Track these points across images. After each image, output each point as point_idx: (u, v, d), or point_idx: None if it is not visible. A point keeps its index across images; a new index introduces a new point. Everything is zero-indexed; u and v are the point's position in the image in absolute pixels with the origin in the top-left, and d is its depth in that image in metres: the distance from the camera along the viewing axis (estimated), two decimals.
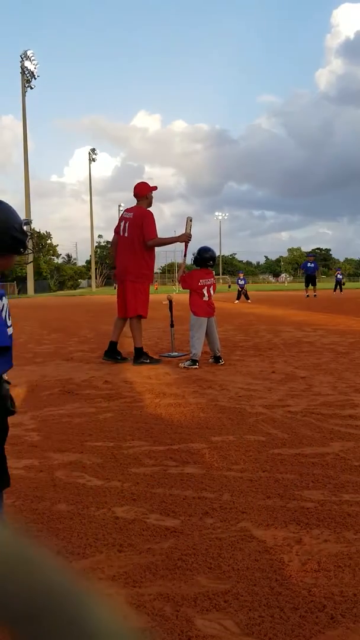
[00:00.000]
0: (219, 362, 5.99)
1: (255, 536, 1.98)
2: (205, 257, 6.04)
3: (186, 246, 6.29)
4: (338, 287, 30.01)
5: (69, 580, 0.31)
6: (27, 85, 47.99)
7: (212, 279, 6.14)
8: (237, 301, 21.31)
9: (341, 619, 1.49)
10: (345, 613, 1.52)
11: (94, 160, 67.66)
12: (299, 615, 1.51)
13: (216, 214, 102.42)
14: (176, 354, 6.71)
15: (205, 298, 5.94)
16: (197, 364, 5.84)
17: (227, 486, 2.46)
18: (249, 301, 21.10)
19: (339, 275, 30.90)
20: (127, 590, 1.65)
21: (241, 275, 23.17)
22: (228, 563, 1.79)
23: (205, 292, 5.94)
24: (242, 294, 21.81)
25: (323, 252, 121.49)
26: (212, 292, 6.04)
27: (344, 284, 30.48)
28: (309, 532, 2.01)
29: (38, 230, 70.62)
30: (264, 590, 1.63)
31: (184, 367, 5.81)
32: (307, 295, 23.36)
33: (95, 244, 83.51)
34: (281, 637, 1.42)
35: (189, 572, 1.74)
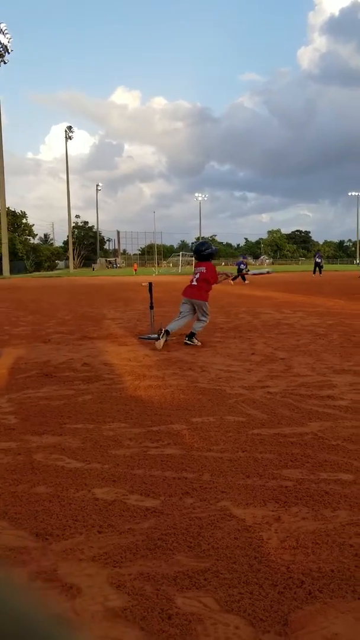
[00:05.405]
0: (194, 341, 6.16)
1: (234, 515, 2.00)
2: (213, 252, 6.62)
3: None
4: (317, 269, 30.24)
5: (39, 606, 0.29)
6: (0, 59, 46.25)
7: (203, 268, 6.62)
8: (232, 282, 22.19)
9: (319, 594, 1.52)
10: (322, 588, 1.54)
11: (70, 138, 65.89)
12: (278, 592, 1.53)
13: (196, 194, 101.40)
14: (155, 335, 6.70)
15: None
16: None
17: (207, 466, 2.48)
18: (246, 282, 22.52)
19: (317, 258, 31.09)
20: (107, 570, 1.65)
21: (242, 259, 24.80)
22: (208, 542, 1.81)
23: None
24: (240, 276, 22.95)
25: (302, 234, 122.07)
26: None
27: (322, 267, 30.75)
28: (288, 510, 2.04)
29: (13, 210, 68.75)
30: (243, 568, 1.65)
31: (158, 340, 5.91)
32: None
33: (73, 224, 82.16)
34: (260, 613, 1.44)
35: (169, 552, 1.75)
